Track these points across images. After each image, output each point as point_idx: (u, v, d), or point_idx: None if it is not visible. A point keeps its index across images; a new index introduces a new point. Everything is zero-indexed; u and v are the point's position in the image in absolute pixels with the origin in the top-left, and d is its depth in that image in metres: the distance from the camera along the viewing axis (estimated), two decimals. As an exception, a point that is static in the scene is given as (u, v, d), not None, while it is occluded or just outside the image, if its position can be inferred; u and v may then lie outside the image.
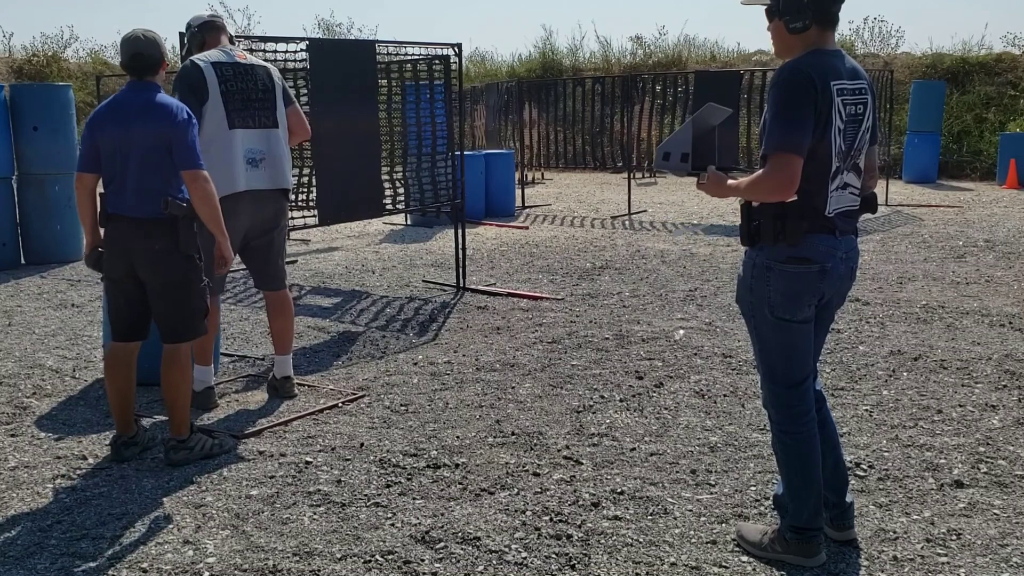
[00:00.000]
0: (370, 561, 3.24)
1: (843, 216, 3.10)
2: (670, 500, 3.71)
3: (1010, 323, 6.52)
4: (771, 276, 3.07)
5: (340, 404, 4.95)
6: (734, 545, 3.33)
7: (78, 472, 4.07)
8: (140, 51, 4.06)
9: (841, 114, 2.97)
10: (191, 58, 4.77)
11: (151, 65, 4.10)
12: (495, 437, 4.44)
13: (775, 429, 3.24)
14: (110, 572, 3.19)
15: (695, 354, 5.84)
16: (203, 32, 4.91)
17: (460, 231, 8.09)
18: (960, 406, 4.80)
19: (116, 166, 4.03)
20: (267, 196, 4.89)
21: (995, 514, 3.56)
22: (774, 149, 2.92)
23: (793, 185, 2.92)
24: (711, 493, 3.78)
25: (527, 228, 12.12)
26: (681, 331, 6.30)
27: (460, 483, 3.90)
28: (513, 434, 4.47)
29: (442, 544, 3.35)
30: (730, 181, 3.13)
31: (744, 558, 3.24)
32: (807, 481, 3.17)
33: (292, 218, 8.20)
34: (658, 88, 14.32)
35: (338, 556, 3.27)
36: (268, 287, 5.10)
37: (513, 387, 5.23)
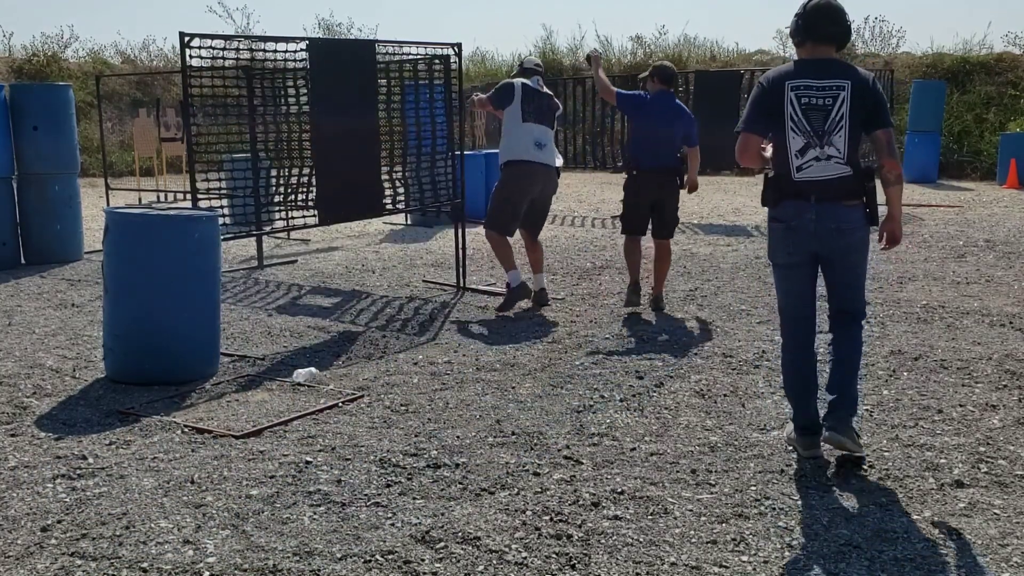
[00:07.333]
0: (370, 561, 3.24)
1: (820, 184, 3.91)
2: (670, 500, 3.71)
3: (1010, 323, 6.52)
4: (767, 230, 4.19)
5: (340, 404, 4.95)
6: (734, 545, 3.33)
7: (78, 472, 4.07)
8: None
9: (794, 104, 3.93)
10: (513, 78, 7.33)
11: None
12: (495, 437, 4.44)
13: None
14: (110, 572, 3.19)
15: (695, 354, 5.84)
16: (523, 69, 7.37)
17: (460, 231, 8.09)
18: (960, 406, 4.80)
19: None
20: (546, 170, 7.12)
21: (995, 514, 3.56)
22: (737, 129, 4.10)
23: (744, 153, 4.06)
24: (711, 493, 3.78)
25: (527, 228, 12.11)
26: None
27: (460, 483, 3.90)
28: (513, 434, 4.47)
29: (442, 544, 3.35)
30: None
31: (744, 558, 3.25)
32: (789, 390, 4.23)
33: (292, 218, 8.21)
34: (658, 88, 14.27)
35: (338, 556, 3.27)
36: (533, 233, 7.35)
37: (513, 387, 5.23)
